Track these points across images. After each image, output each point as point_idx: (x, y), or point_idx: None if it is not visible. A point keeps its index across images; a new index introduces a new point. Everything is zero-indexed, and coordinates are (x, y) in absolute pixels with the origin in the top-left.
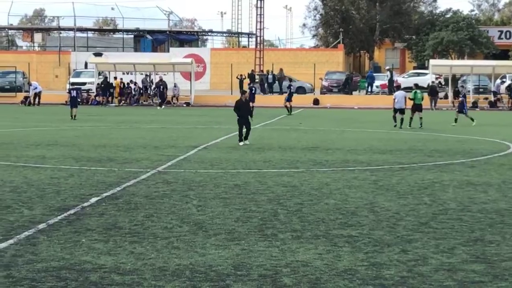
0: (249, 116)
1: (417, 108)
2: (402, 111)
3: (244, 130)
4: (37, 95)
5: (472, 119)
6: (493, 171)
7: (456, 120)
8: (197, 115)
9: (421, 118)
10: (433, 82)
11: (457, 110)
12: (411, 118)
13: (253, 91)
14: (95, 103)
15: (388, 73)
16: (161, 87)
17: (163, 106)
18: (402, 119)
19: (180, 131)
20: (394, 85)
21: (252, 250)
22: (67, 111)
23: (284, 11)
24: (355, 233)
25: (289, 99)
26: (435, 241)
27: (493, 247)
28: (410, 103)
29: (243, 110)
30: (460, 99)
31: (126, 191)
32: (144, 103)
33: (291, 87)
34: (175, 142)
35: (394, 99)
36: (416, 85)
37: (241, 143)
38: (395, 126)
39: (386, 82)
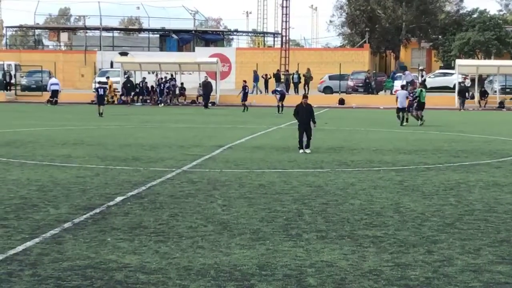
0: (311, 122)
1: (421, 106)
2: (404, 109)
3: (305, 138)
4: (54, 93)
5: (403, 122)
6: None
7: (420, 118)
8: (222, 115)
9: (422, 116)
10: (462, 82)
11: (413, 110)
12: (421, 116)
13: (246, 90)
14: (121, 102)
15: (411, 73)
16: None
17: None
18: (403, 116)
19: (205, 130)
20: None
21: (277, 250)
22: (93, 110)
23: (309, 11)
24: (380, 234)
25: (244, 99)
26: (460, 242)
27: None
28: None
29: (303, 116)
30: (409, 99)
31: (151, 190)
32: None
33: (246, 88)
34: (200, 142)
35: (397, 98)
36: (421, 84)
37: (301, 151)
38: (401, 125)
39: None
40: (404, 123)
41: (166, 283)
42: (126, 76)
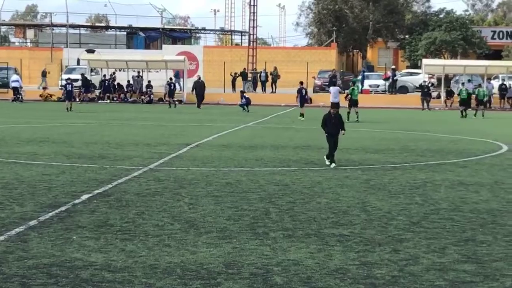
0: (338, 133)
1: (353, 103)
2: (337, 105)
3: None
4: (14, 90)
5: (302, 115)
6: (485, 171)
7: (302, 115)
8: (189, 113)
9: (357, 112)
10: (424, 82)
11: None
12: (348, 113)
13: (172, 87)
14: (87, 99)
15: (389, 72)
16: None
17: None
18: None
19: (172, 128)
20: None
21: (243, 249)
22: (58, 108)
23: (277, 9)
24: (346, 232)
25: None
26: (426, 241)
27: (484, 247)
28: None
29: (331, 127)
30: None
31: (118, 188)
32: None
33: (172, 84)
34: (167, 140)
35: (330, 93)
36: (353, 82)
37: (333, 165)
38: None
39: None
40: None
41: (132, 282)
42: (81, 73)
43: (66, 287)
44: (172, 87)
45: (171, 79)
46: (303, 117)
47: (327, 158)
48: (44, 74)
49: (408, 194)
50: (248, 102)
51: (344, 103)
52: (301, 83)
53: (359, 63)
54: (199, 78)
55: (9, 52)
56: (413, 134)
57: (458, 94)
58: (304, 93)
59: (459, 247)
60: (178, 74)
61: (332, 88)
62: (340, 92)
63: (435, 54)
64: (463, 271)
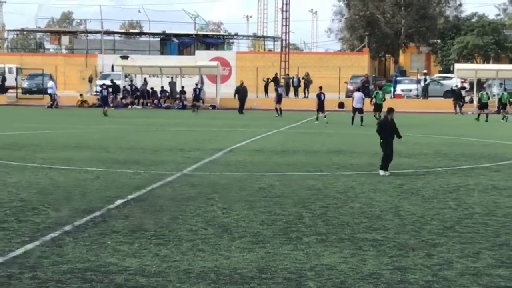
0: (393, 139)
1: (377, 107)
2: (360, 110)
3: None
4: (51, 96)
5: (318, 118)
6: None
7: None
8: (222, 118)
9: (380, 116)
10: (456, 86)
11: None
12: (375, 116)
13: (197, 92)
14: (121, 105)
15: (423, 77)
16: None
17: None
18: (362, 118)
19: (206, 134)
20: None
21: (277, 253)
22: (93, 113)
23: (309, 15)
24: (380, 237)
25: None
26: (460, 246)
27: None
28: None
29: (388, 133)
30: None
31: (152, 193)
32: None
33: (197, 90)
34: (201, 145)
35: (353, 99)
36: (380, 87)
37: (382, 173)
38: (352, 125)
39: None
40: (362, 124)
41: (166, 286)
42: (111, 79)
43: None
44: (197, 92)
45: (196, 84)
46: (324, 119)
47: (382, 169)
48: (90, 80)
49: (441, 198)
50: (280, 97)
51: (368, 108)
52: (320, 88)
53: (391, 68)
54: (242, 83)
55: (44, 59)
56: (446, 139)
57: (480, 98)
58: (322, 97)
59: (493, 252)
60: (202, 79)
61: (355, 93)
62: (363, 98)
63: (468, 59)
64: (497, 276)
